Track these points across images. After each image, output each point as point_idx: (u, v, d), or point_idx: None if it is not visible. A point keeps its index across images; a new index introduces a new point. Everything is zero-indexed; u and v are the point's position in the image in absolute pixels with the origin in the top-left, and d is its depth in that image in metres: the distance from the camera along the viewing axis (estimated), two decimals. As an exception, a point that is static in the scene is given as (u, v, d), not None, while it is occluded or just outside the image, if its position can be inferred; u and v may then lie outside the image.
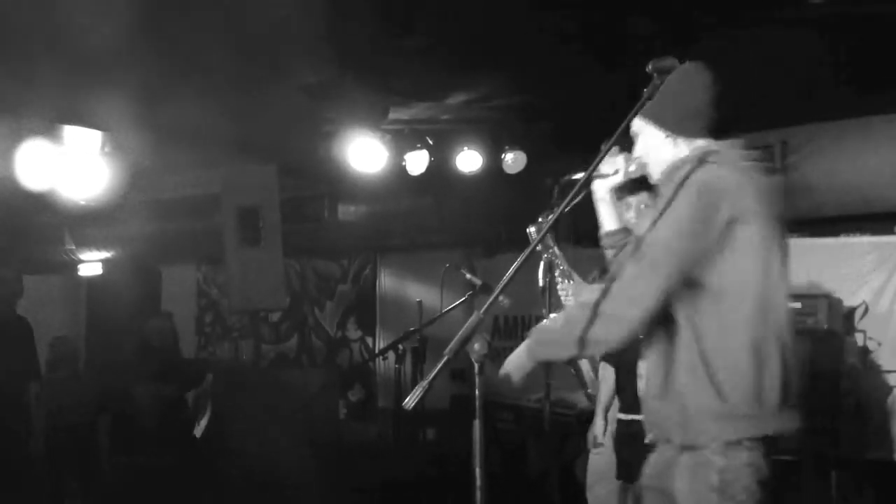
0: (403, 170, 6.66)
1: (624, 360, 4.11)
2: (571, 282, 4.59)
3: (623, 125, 2.53)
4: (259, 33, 4.45)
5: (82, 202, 6.34)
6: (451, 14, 4.48)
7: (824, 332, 5.68)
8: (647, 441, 2.81)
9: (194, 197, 8.27)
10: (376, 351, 9.19)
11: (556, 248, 4.64)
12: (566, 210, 2.67)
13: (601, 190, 3.03)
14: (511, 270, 2.61)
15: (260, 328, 9.72)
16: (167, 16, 4.21)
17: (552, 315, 2.97)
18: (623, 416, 4.12)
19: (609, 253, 3.06)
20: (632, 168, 2.94)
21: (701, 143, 2.79)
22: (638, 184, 4.09)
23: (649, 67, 2.50)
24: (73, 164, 5.94)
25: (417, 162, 6.64)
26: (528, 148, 6.67)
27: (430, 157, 6.63)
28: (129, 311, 8.65)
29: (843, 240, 6.43)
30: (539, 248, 4.50)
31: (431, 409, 7.12)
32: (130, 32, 4.13)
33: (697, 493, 2.55)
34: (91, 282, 10.46)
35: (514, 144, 6.72)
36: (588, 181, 2.63)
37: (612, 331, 2.65)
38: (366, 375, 9.62)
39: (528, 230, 4.71)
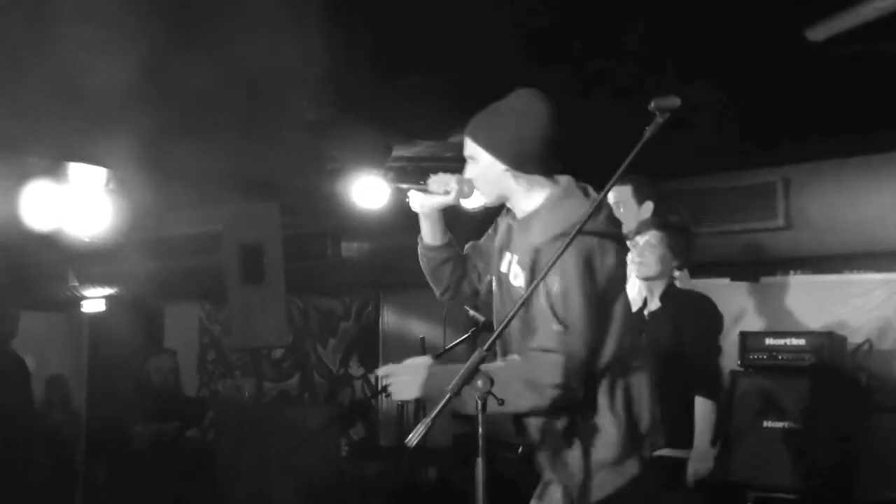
0: (407, 207, 6.64)
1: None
2: None
3: (627, 162, 2.52)
4: (261, 72, 4.47)
5: (86, 240, 6.35)
6: (452, 52, 4.51)
7: (828, 370, 5.65)
8: None
9: (197, 234, 8.26)
10: (379, 388, 9.13)
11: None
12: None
13: (426, 205, 3.21)
14: (515, 308, 2.61)
15: (262, 366, 9.68)
16: (171, 55, 4.24)
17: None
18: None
19: (425, 262, 3.28)
20: (466, 189, 3.09)
21: (540, 179, 2.94)
22: (648, 224, 4.11)
23: (651, 105, 2.50)
24: (77, 202, 5.96)
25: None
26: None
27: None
28: (131, 349, 8.64)
29: (846, 276, 6.42)
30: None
31: (434, 448, 7.06)
32: (134, 71, 4.16)
33: None
34: (93, 319, 10.45)
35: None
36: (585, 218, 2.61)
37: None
38: (368, 413, 9.57)
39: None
